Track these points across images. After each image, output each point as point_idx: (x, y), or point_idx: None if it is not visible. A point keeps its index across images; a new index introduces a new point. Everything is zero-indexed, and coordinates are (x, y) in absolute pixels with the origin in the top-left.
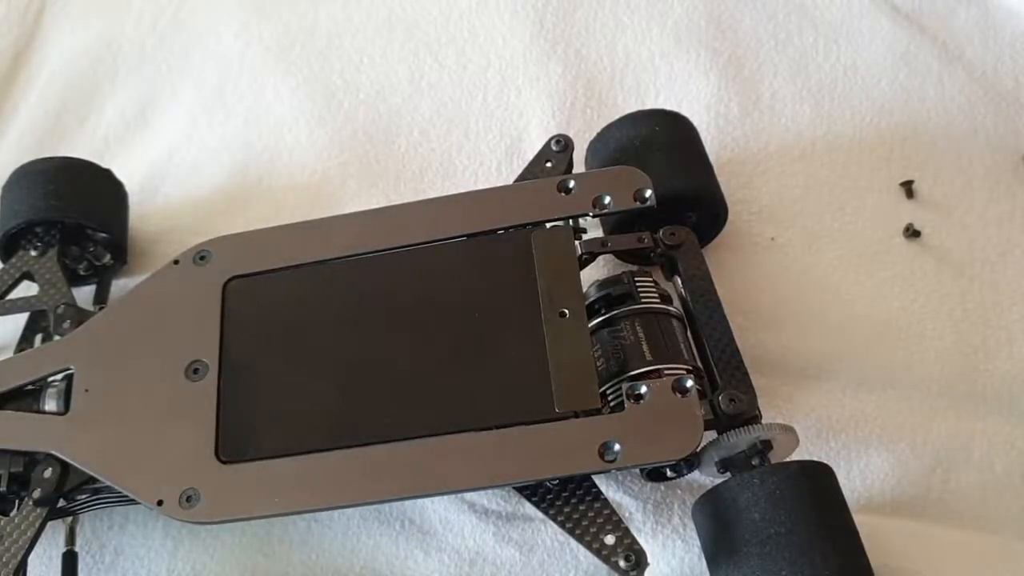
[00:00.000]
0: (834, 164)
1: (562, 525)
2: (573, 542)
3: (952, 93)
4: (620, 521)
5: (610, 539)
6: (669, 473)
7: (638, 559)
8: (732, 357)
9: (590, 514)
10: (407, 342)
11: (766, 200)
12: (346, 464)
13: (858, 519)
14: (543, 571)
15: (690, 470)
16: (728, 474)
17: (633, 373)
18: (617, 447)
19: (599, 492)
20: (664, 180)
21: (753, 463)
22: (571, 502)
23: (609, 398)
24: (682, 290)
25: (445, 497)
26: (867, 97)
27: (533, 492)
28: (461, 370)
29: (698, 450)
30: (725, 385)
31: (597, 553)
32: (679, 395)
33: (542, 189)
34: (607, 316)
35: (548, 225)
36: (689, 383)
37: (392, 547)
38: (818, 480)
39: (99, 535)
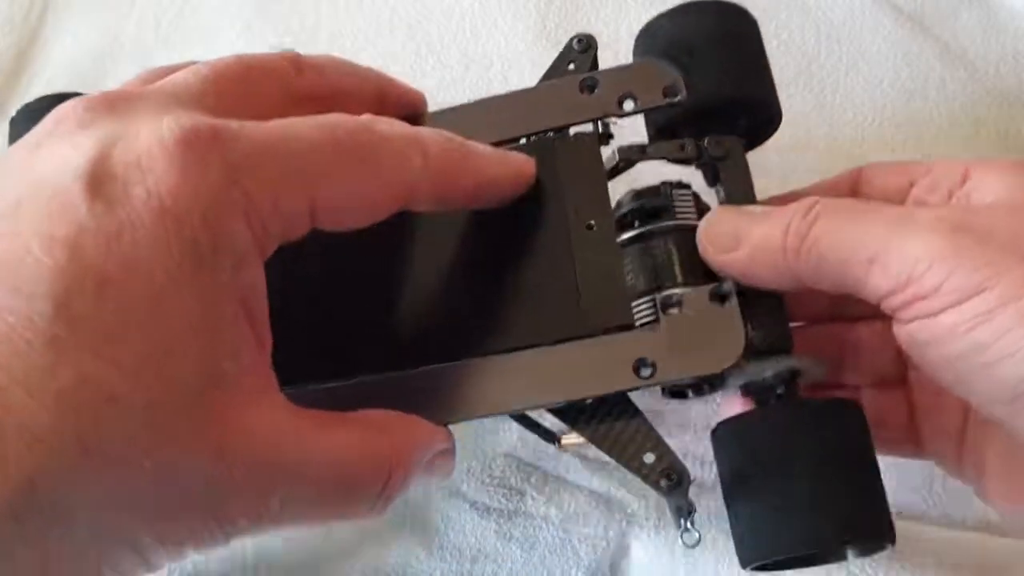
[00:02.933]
0: (835, 164)
1: (599, 445)
2: (575, 539)
3: (954, 93)
4: (660, 439)
5: (649, 458)
6: (690, 394)
7: (680, 478)
8: None
9: (627, 433)
10: (426, 264)
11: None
12: (362, 394)
13: None
14: (545, 568)
15: (712, 391)
16: (739, 395)
17: (664, 294)
18: (652, 362)
19: (636, 410)
20: (715, 80)
21: (778, 392)
22: (607, 421)
23: (640, 315)
24: (723, 202)
25: (446, 495)
26: (869, 98)
27: (567, 413)
28: (484, 291)
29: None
30: (757, 313)
31: (636, 472)
32: (717, 304)
33: (564, 89)
34: (640, 231)
35: (572, 131)
36: (727, 288)
37: (393, 545)
38: (845, 418)
39: None
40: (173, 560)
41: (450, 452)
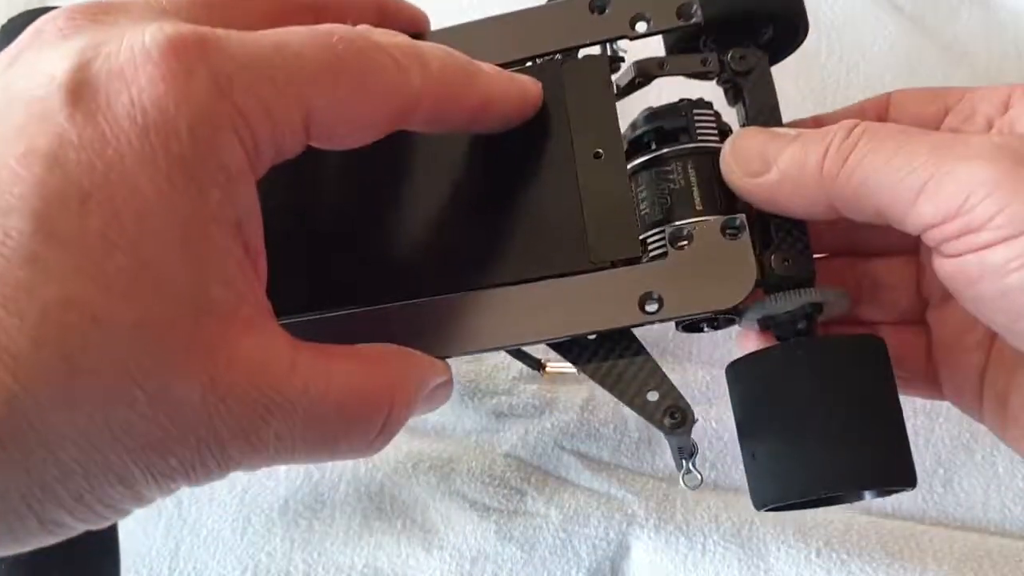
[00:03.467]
0: None
1: (601, 383)
2: (575, 540)
3: None
4: (664, 377)
5: (653, 396)
6: (706, 328)
7: (684, 416)
8: None
9: (631, 370)
10: (425, 192)
11: None
12: (358, 326)
13: (858, 519)
14: (545, 569)
15: (728, 324)
16: (757, 330)
17: (679, 223)
18: (659, 297)
19: (640, 347)
20: None
21: (799, 327)
22: (610, 358)
23: (651, 246)
24: (745, 123)
25: (446, 495)
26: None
27: (569, 349)
28: (485, 220)
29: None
30: (780, 243)
31: (640, 411)
32: (728, 237)
33: (573, 9)
34: (656, 154)
35: (581, 54)
36: (740, 221)
37: (393, 545)
38: (870, 354)
39: None
40: (164, 493)
41: (448, 384)
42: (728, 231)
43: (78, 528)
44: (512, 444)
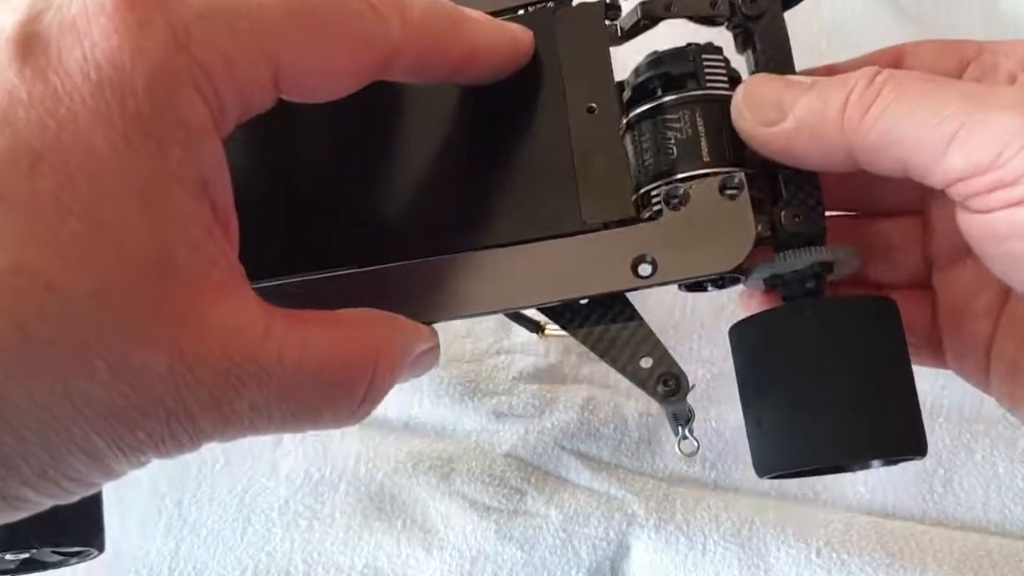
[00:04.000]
0: None
1: (593, 349)
2: (575, 540)
3: None
4: (658, 343)
5: (646, 362)
6: (709, 287)
7: (677, 383)
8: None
9: (623, 335)
10: (408, 148)
11: None
12: (338, 291)
13: (858, 519)
14: (545, 569)
15: (733, 283)
16: (762, 291)
17: (683, 176)
18: (653, 260)
19: (634, 312)
20: None
21: (808, 286)
22: (602, 323)
23: (653, 200)
24: (755, 71)
25: (446, 495)
26: None
27: (561, 313)
28: (472, 179)
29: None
30: (791, 198)
31: (632, 378)
32: (727, 197)
33: None
34: (661, 101)
35: (575, 1)
36: (738, 179)
37: (393, 545)
38: (881, 316)
39: None
40: (134, 466)
41: (434, 349)
42: (727, 190)
43: (45, 503)
44: (512, 444)
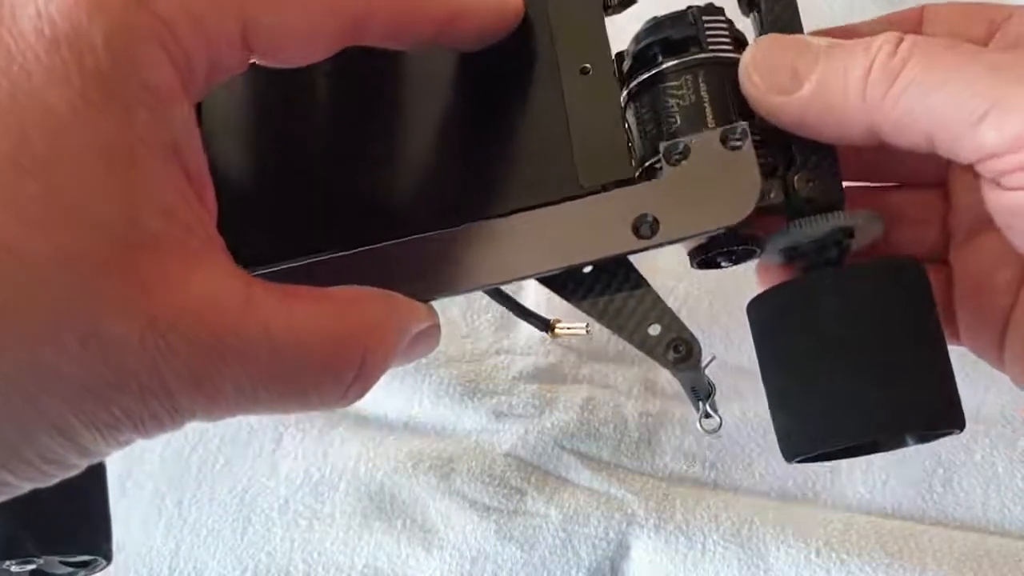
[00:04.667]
0: None
1: (599, 319)
2: (575, 539)
3: None
4: (666, 309)
5: (655, 329)
6: (723, 263)
7: (689, 349)
8: None
9: (630, 303)
10: (394, 118)
11: None
12: (327, 273)
13: (858, 519)
14: (545, 569)
15: (747, 257)
16: (779, 265)
17: (669, 142)
18: (653, 219)
19: (639, 278)
20: None
21: (829, 256)
22: (607, 291)
23: (655, 165)
24: (762, 33)
25: (446, 495)
26: None
27: (564, 284)
28: (462, 148)
29: (751, 213)
30: (804, 162)
31: (641, 347)
32: (729, 148)
33: None
34: (660, 68)
35: None
36: (741, 130)
37: (393, 545)
38: (907, 281)
39: None
40: (113, 446)
41: (434, 329)
42: (730, 142)
43: (23, 486)
44: (512, 444)
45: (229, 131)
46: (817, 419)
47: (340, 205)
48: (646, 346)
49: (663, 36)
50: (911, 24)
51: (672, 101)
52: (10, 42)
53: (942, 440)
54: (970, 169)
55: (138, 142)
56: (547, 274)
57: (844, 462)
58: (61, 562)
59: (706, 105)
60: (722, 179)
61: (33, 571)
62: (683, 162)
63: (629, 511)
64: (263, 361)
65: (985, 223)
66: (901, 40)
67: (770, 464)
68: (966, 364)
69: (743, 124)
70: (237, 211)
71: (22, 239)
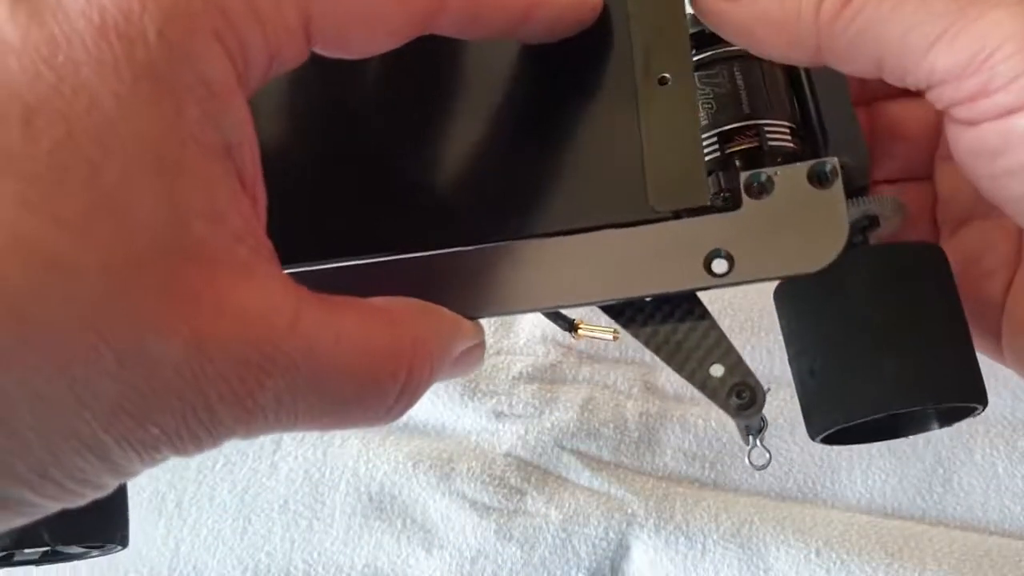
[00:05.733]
0: None
1: (658, 353)
2: (575, 539)
3: None
4: (730, 348)
5: (717, 370)
6: None
7: (753, 396)
8: (844, 112)
9: (692, 338)
10: (455, 118)
11: None
12: (375, 278)
13: (858, 519)
14: (545, 569)
15: None
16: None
17: (726, 128)
18: (729, 255)
19: (704, 311)
20: None
21: (854, 240)
22: (668, 322)
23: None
24: None
25: (446, 495)
26: None
27: (621, 311)
28: (524, 157)
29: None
30: (834, 147)
31: (701, 388)
32: (817, 185)
33: None
34: (698, 58)
35: None
36: (831, 167)
37: (394, 545)
38: (931, 264)
39: None
40: (148, 464)
41: (480, 347)
42: (816, 179)
43: (50, 507)
44: (512, 444)
45: (272, 120)
46: (840, 395)
47: (387, 206)
48: (708, 388)
49: (698, 30)
50: None
51: (708, 89)
52: (55, 29)
53: (942, 440)
54: (951, 161)
55: (190, 141)
56: (605, 303)
57: (844, 461)
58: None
59: (742, 93)
60: (806, 219)
61: (45, 552)
62: (765, 195)
63: (629, 511)
64: (307, 377)
65: (970, 213)
66: None
67: (770, 464)
68: None
69: (833, 160)
70: (280, 205)
71: (63, 250)
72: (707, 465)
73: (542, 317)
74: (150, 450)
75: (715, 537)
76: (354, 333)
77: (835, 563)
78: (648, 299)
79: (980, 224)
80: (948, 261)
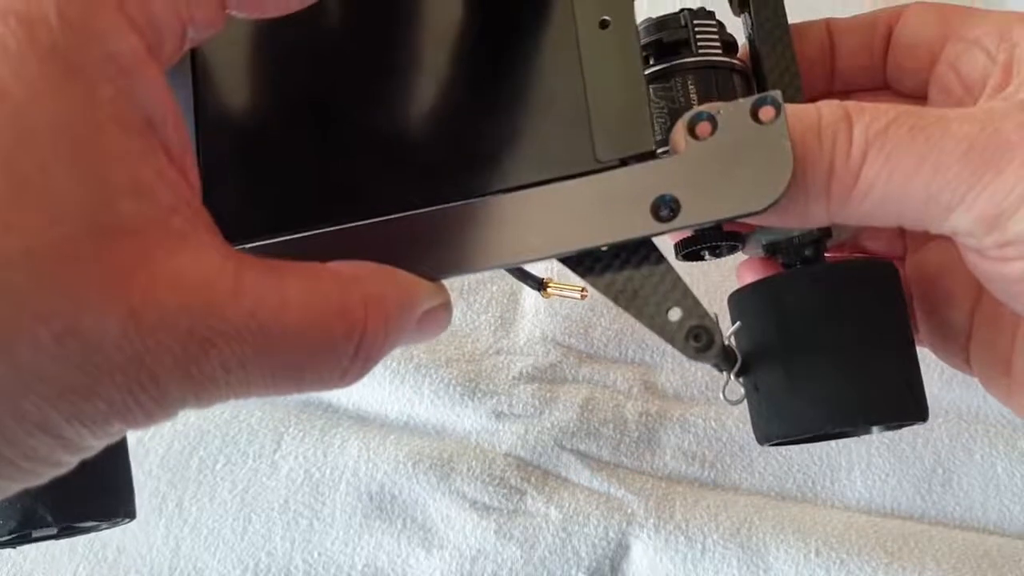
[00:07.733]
0: None
1: (615, 300)
2: (575, 539)
3: None
4: (687, 291)
5: (675, 314)
6: (707, 255)
7: (710, 338)
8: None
9: (649, 283)
10: (393, 76)
11: None
12: (325, 249)
13: (858, 519)
14: (545, 568)
15: (731, 251)
16: (760, 259)
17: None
18: (674, 200)
19: (660, 256)
20: None
21: (806, 254)
22: (625, 270)
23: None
24: (751, 32)
25: (446, 495)
26: None
27: (579, 260)
28: (468, 113)
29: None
30: None
31: (660, 332)
32: (760, 121)
33: None
34: (656, 69)
35: None
36: (772, 99)
37: (394, 545)
38: (878, 281)
39: (101, 533)
40: (102, 438)
41: (445, 308)
42: (758, 115)
43: (10, 488)
44: (512, 444)
45: (214, 90)
46: (790, 407)
47: (337, 175)
48: (666, 332)
49: (655, 38)
50: (892, 22)
51: (663, 103)
52: None
53: (942, 440)
54: None
55: (105, 119)
56: (559, 256)
57: (844, 461)
58: None
59: (695, 106)
60: (750, 157)
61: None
62: (707, 137)
63: (629, 511)
64: (254, 343)
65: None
66: (851, 123)
67: (770, 464)
68: None
69: (776, 93)
70: (225, 180)
71: None
72: (707, 465)
73: (542, 317)
74: (101, 424)
75: (715, 537)
76: (301, 295)
77: (835, 563)
78: (603, 248)
79: (945, 244)
80: (899, 277)
